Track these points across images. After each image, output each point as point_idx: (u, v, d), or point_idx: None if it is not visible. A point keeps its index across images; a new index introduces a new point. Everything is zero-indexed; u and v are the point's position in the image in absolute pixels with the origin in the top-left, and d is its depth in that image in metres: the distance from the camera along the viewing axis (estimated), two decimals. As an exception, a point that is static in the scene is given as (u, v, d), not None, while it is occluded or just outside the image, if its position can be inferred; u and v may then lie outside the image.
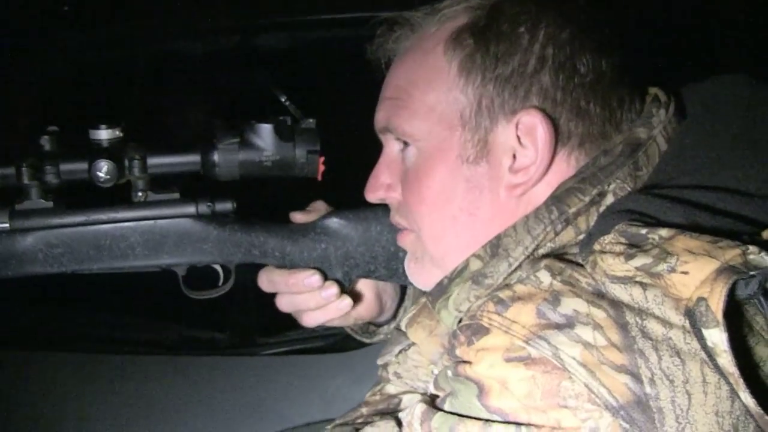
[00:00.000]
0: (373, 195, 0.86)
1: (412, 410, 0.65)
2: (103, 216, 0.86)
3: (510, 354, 0.59)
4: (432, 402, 0.66)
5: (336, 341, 1.57)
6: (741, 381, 0.52)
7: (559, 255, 0.68)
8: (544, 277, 0.63)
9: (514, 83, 0.72)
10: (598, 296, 0.59)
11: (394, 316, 1.07)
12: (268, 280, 0.96)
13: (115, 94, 1.20)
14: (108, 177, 0.82)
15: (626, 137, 0.74)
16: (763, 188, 0.67)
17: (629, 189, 0.72)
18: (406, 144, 0.80)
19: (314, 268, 0.95)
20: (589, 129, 0.74)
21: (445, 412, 0.62)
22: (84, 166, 0.82)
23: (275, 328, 1.61)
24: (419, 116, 0.77)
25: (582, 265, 0.63)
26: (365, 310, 1.01)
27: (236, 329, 1.61)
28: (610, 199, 0.71)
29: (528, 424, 0.57)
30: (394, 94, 0.80)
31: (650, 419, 0.54)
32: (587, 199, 0.71)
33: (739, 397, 0.54)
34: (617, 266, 0.59)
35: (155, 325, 1.59)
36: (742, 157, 0.70)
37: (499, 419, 0.59)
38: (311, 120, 0.90)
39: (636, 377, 0.55)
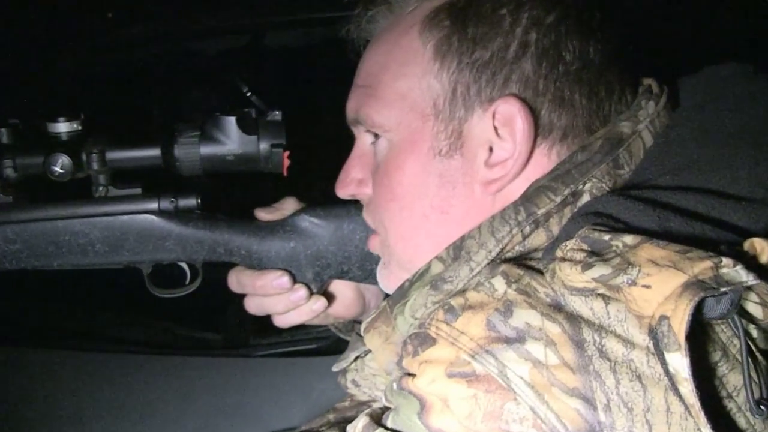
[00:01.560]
0: (343, 191, 0.82)
1: (356, 423, 0.61)
2: (62, 212, 0.84)
3: (453, 369, 0.54)
4: (380, 415, 0.62)
5: (330, 343, 1.54)
6: (702, 414, 0.47)
7: (520, 260, 0.62)
8: (499, 284, 0.57)
9: (493, 69, 0.67)
10: (555, 309, 0.54)
11: None
12: (236, 281, 0.93)
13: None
14: (63, 171, 0.80)
15: (607, 132, 0.69)
16: (755, 191, 0.61)
17: (607, 189, 0.66)
18: (377, 136, 0.75)
19: (283, 268, 0.92)
20: (573, 121, 0.68)
21: (385, 428, 0.58)
22: (39, 159, 0.81)
23: (271, 329, 1.59)
24: (389, 105, 0.72)
25: (540, 272, 0.58)
26: (345, 309, 0.97)
27: (230, 330, 1.59)
28: (585, 200, 0.66)
29: None
30: (366, 81, 0.75)
31: None
32: (558, 199, 0.65)
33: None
34: (574, 276, 0.53)
35: (149, 324, 1.59)
36: (733, 155, 0.64)
37: None
38: (277, 113, 0.87)
39: (589, 402, 0.50)
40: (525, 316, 0.54)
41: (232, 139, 0.84)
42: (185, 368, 1.48)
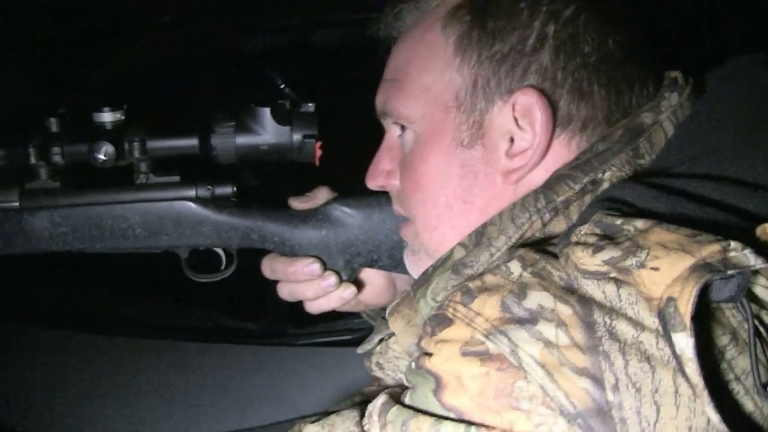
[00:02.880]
0: (373, 182, 0.84)
1: (376, 401, 0.63)
2: (105, 197, 0.89)
3: (467, 348, 0.55)
4: (399, 394, 0.63)
5: (365, 335, 1.55)
6: (705, 393, 0.47)
7: (537, 245, 0.63)
8: (515, 267, 0.59)
9: (512, 62, 0.68)
10: (568, 291, 0.55)
11: None
12: (269, 268, 0.95)
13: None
14: (106, 159, 0.84)
15: (628, 122, 0.69)
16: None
17: (623, 174, 0.66)
18: (403, 128, 0.77)
19: (314, 256, 0.94)
20: (593, 113, 0.69)
21: (402, 405, 0.60)
22: (85, 147, 0.85)
23: (307, 318, 1.62)
24: (414, 97, 0.74)
25: (555, 256, 0.59)
26: (376, 297, 0.99)
27: (268, 319, 1.63)
28: (605, 188, 0.66)
29: (480, 424, 0.54)
30: (393, 75, 0.78)
31: (611, 430, 0.50)
32: (577, 187, 0.66)
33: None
34: (586, 259, 0.54)
35: (190, 312, 1.64)
36: (752, 144, 0.63)
37: (454, 417, 0.55)
38: (310, 104, 0.89)
39: (598, 382, 0.51)
40: (538, 298, 0.55)
41: (266, 130, 0.87)
42: (223, 356, 1.52)
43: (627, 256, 0.51)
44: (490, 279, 0.59)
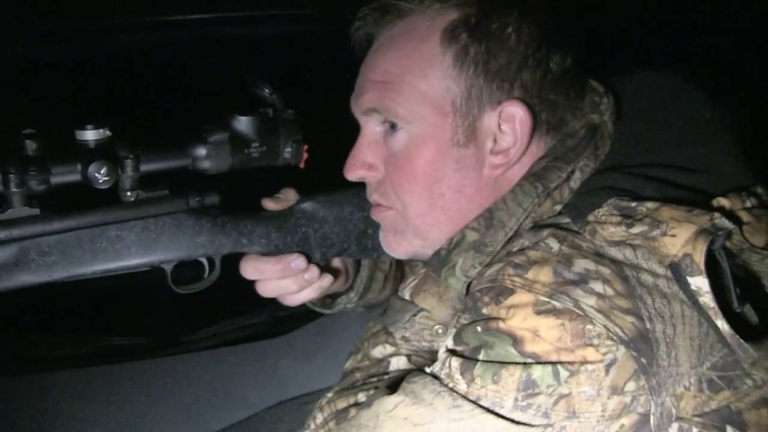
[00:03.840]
0: (353, 173, 0.92)
1: (446, 363, 0.74)
2: (96, 219, 0.84)
3: (539, 308, 0.70)
4: (452, 353, 0.74)
5: (261, 329, 1.60)
6: (719, 313, 0.68)
7: (556, 225, 0.79)
8: (553, 243, 0.75)
9: (501, 77, 0.82)
10: (600, 256, 0.73)
11: (351, 287, 1.14)
12: (254, 268, 0.98)
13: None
14: (107, 178, 0.80)
15: (585, 122, 0.87)
16: (702, 166, 0.83)
17: (592, 166, 0.85)
18: (393, 127, 0.86)
19: (298, 251, 1.00)
20: (554, 117, 0.86)
21: (483, 361, 0.71)
22: (77, 168, 0.80)
23: (196, 324, 1.60)
24: (411, 100, 0.84)
25: (578, 233, 0.76)
26: (337, 283, 1.08)
27: (157, 332, 1.56)
28: (577, 175, 0.84)
29: (560, 362, 0.69)
30: (384, 77, 0.86)
31: (650, 347, 0.69)
32: (564, 175, 0.84)
33: (707, 325, 0.70)
34: (618, 233, 0.72)
35: (68, 338, 1.49)
36: (681, 139, 0.86)
37: (533, 361, 0.69)
38: (290, 110, 0.94)
39: (639, 317, 0.69)
40: (582, 264, 0.72)
41: (258, 137, 0.91)
42: (113, 376, 1.43)
43: (653, 229, 0.71)
44: (533, 254, 0.74)
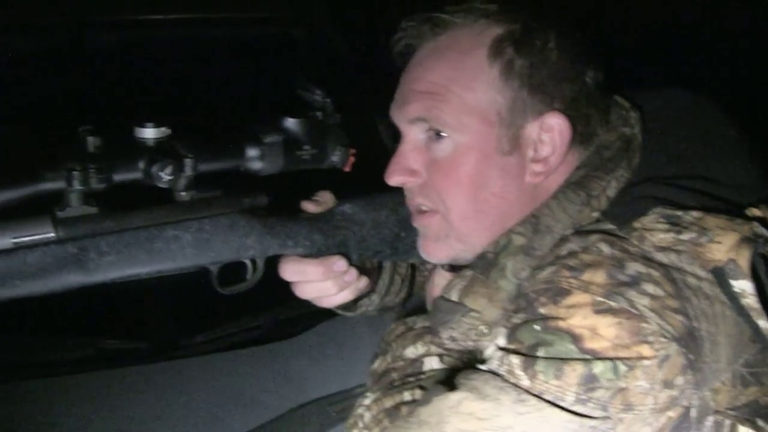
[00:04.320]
0: (397, 178, 0.94)
1: (504, 361, 0.77)
2: (153, 218, 0.83)
3: (597, 307, 0.74)
4: (507, 351, 0.78)
5: (262, 333, 1.59)
6: (763, 313, 0.74)
7: (602, 231, 0.83)
8: (604, 247, 0.79)
9: (543, 90, 0.86)
10: (648, 260, 0.77)
11: (373, 289, 1.14)
12: (296, 270, 0.99)
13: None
14: (171, 177, 0.80)
15: (619, 135, 0.92)
16: (728, 178, 0.88)
17: (626, 176, 0.89)
18: (438, 135, 0.89)
19: (339, 253, 1.01)
20: (587, 129, 0.90)
21: (544, 358, 0.75)
22: (138, 166, 0.79)
23: (197, 327, 1.58)
24: (459, 110, 0.87)
25: (624, 238, 0.80)
26: (366, 285, 1.10)
27: (155, 336, 1.53)
28: (614, 184, 0.88)
29: (618, 358, 0.73)
30: (430, 88, 0.89)
31: (697, 345, 0.74)
32: (604, 184, 0.88)
33: (744, 324, 0.75)
34: (667, 239, 0.77)
35: (71, 342, 1.44)
36: (706, 153, 0.91)
37: (592, 357, 0.73)
38: (338, 114, 0.96)
39: (687, 316, 0.74)
40: (634, 267, 0.76)
41: (310, 140, 0.92)
42: (119, 380, 1.39)
43: (701, 236, 0.76)
44: (586, 257, 0.78)
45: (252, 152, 0.88)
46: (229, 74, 1.49)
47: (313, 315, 1.48)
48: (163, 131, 0.81)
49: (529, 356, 0.76)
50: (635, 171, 0.91)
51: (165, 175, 0.79)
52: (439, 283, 1.12)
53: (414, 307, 1.29)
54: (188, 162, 0.82)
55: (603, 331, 0.73)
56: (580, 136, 0.90)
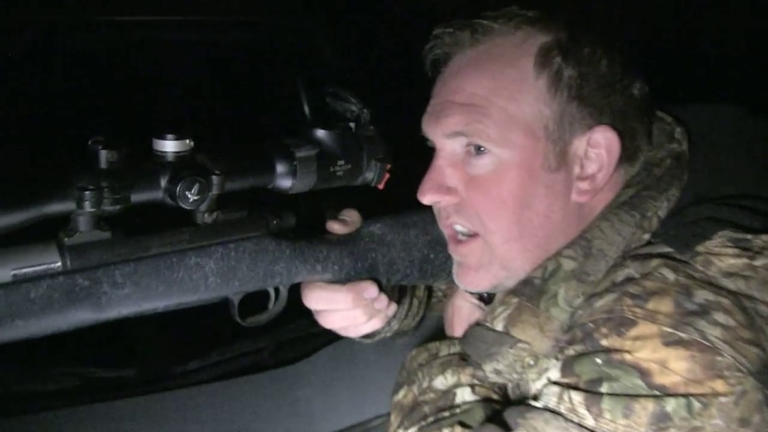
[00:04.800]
0: (429, 197, 0.86)
1: (563, 397, 0.70)
2: (172, 243, 0.72)
3: (666, 339, 0.68)
4: (562, 386, 0.71)
5: (262, 358, 1.48)
6: None
7: (662, 255, 0.77)
8: (668, 273, 0.73)
9: (592, 102, 0.80)
10: (716, 287, 0.71)
11: (394, 315, 1.05)
12: (323, 298, 0.89)
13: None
14: (197, 198, 0.69)
15: (669, 151, 0.86)
16: None
17: (677, 195, 0.83)
18: (479, 150, 0.82)
19: (370, 278, 0.92)
20: (634, 144, 0.84)
21: (609, 395, 0.68)
22: (159, 185, 0.69)
23: (189, 352, 1.45)
24: (504, 124, 0.80)
25: (686, 263, 0.74)
26: (394, 312, 1.01)
27: (145, 363, 1.40)
28: (665, 204, 0.82)
29: (691, 394, 0.66)
30: (471, 100, 0.82)
31: None
32: (658, 204, 0.82)
33: None
34: (738, 265, 0.71)
35: (54, 371, 1.30)
36: (758, 171, 0.86)
37: (660, 394, 0.66)
38: (371, 126, 0.87)
39: (761, 347, 0.68)
40: (703, 294, 0.70)
41: (344, 154, 0.82)
42: (107, 415, 1.26)
43: None
44: (650, 284, 0.72)
45: (283, 168, 0.78)
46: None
47: (319, 336, 1.37)
48: (187, 144, 0.71)
49: (592, 392, 0.69)
50: (685, 190, 0.85)
51: (191, 195, 0.69)
52: (462, 305, 1.05)
53: (431, 330, 1.21)
54: (215, 179, 0.72)
55: (674, 365, 0.67)
56: (627, 151, 0.83)
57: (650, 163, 0.85)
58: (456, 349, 0.96)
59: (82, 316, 0.67)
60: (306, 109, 1.02)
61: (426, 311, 1.20)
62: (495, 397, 0.92)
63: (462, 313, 1.03)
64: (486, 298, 1.02)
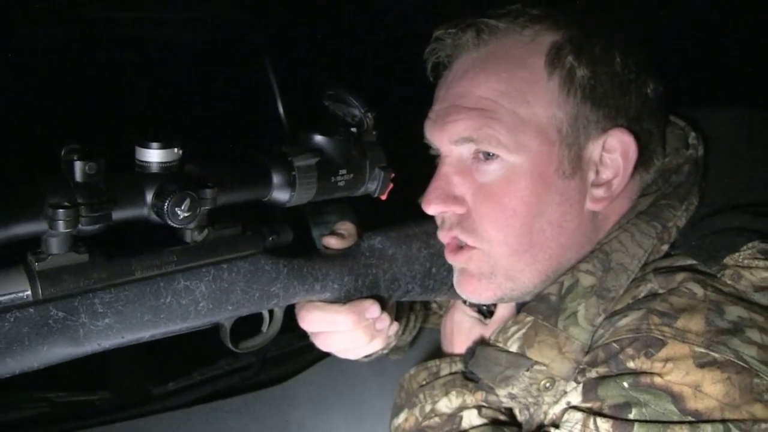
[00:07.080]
0: (439, 206, 0.80)
1: (589, 424, 0.66)
2: (161, 266, 0.64)
3: (700, 360, 0.63)
4: (583, 411, 0.67)
5: (249, 376, 1.39)
6: None
7: (688, 267, 0.72)
8: (697, 289, 0.68)
9: (607, 103, 0.75)
10: (747, 302, 0.67)
11: None
12: (323, 320, 0.82)
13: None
14: (188, 214, 0.61)
15: (687, 157, 0.81)
16: None
17: (695, 203, 0.79)
18: (488, 157, 0.76)
19: (371, 297, 0.85)
20: (650, 148, 0.79)
21: (639, 421, 0.63)
22: (144, 200, 0.60)
23: (169, 373, 1.36)
24: (513, 129, 0.75)
25: (713, 275, 0.70)
26: (396, 331, 0.95)
27: (120, 384, 1.31)
28: (683, 213, 0.77)
29: (728, 420, 0.61)
30: (480, 104, 0.76)
31: None
32: (678, 214, 0.77)
33: None
34: None
35: (19, 398, 1.19)
36: None
37: (694, 420, 0.61)
38: (374, 132, 0.80)
39: None
40: (735, 311, 0.65)
41: (346, 163, 0.75)
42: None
43: None
44: (677, 301, 0.67)
45: (281, 179, 0.70)
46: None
47: (308, 350, 1.29)
48: (175, 153, 0.63)
49: (620, 419, 0.64)
50: (703, 198, 0.80)
51: (181, 212, 0.61)
52: (462, 320, 0.98)
53: (426, 344, 1.14)
54: (208, 192, 0.64)
55: (708, 389, 0.62)
56: (643, 155, 0.78)
57: (667, 169, 0.80)
58: (458, 367, 0.90)
59: (56, 351, 0.59)
60: (280, 109, 0.95)
61: (423, 325, 1.14)
62: (502, 418, 0.86)
63: (462, 329, 0.97)
64: (486, 311, 0.97)
